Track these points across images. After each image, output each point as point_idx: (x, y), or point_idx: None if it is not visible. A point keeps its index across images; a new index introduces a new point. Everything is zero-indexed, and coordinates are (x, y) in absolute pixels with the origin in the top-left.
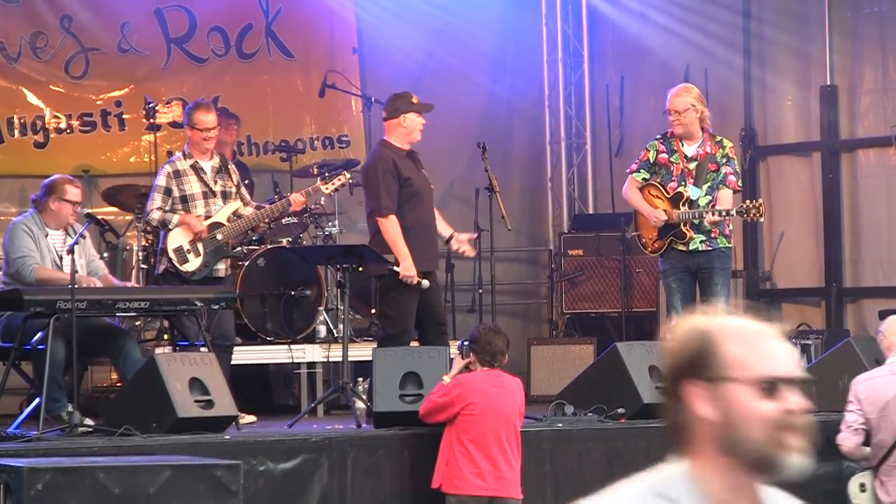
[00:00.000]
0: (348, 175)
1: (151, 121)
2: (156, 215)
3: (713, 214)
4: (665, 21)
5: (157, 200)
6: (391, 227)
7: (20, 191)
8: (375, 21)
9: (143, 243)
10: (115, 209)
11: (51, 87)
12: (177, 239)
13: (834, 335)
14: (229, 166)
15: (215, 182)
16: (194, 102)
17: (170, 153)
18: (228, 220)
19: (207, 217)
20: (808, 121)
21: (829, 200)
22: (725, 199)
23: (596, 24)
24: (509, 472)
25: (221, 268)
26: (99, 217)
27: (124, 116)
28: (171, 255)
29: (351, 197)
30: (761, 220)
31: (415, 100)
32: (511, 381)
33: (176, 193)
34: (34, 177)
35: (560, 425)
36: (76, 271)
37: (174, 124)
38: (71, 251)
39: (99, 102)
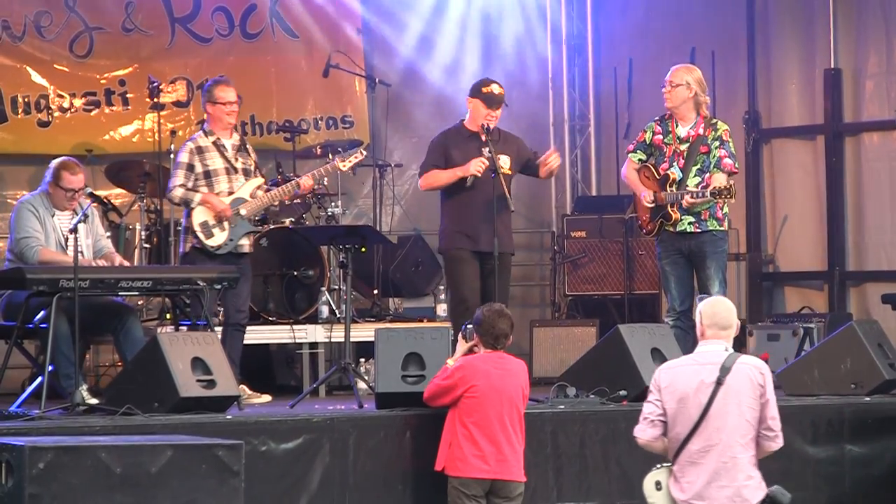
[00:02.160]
0: (365, 152)
1: (155, 100)
2: (178, 192)
3: (690, 196)
4: (671, 3)
5: (179, 177)
6: (428, 180)
7: None
8: (379, 1)
9: (146, 222)
10: (118, 188)
11: (55, 65)
12: (201, 214)
13: (836, 319)
14: (248, 146)
15: (236, 159)
16: (213, 80)
17: (173, 132)
18: (252, 195)
19: (230, 193)
20: (811, 104)
21: (832, 184)
22: (719, 181)
23: (602, 5)
24: (512, 455)
25: (245, 243)
26: (102, 196)
27: (128, 96)
28: (198, 229)
29: (353, 177)
30: (732, 200)
31: (486, 89)
32: (514, 364)
33: (199, 169)
34: (24, 160)
35: (562, 407)
36: (80, 251)
37: (178, 104)
38: (74, 230)
39: (103, 81)
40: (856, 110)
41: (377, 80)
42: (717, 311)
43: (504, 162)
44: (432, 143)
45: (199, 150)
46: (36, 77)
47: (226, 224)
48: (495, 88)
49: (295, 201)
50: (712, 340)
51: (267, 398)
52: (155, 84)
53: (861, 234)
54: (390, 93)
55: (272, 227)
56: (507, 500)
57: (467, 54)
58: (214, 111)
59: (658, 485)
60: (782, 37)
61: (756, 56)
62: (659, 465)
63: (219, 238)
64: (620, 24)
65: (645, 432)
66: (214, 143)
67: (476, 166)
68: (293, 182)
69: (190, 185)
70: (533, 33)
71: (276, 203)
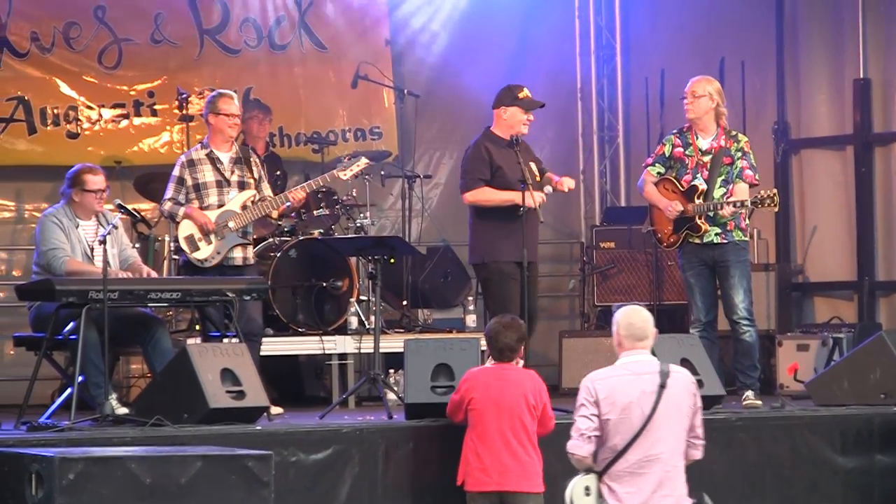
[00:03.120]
0: (365, 160)
1: (184, 112)
2: (165, 206)
3: (728, 206)
4: (700, 14)
5: (169, 191)
6: (477, 195)
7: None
8: (408, 13)
9: (175, 234)
10: (146, 200)
11: (84, 77)
12: (187, 228)
13: (866, 329)
14: (252, 159)
15: (232, 172)
16: (217, 92)
17: None
18: (242, 208)
19: (220, 206)
20: (841, 114)
21: (861, 194)
22: (742, 192)
23: (632, 16)
24: (517, 467)
25: (238, 256)
26: (130, 208)
27: (157, 107)
28: (183, 243)
29: (382, 188)
30: (776, 209)
31: (521, 94)
32: (517, 373)
33: (189, 182)
34: (43, 174)
35: None
36: (108, 262)
37: None
38: (103, 242)
39: (132, 93)
40: (886, 120)
41: (405, 90)
42: (633, 321)
43: (535, 170)
44: (472, 155)
45: (191, 163)
46: (65, 88)
47: (212, 237)
48: (528, 92)
49: (323, 212)
50: (635, 351)
51: (278, 410)
52: (184, 96)
53: (891, 244)
54: (419, 104)
55: (301, 238)
56: None
57: (495, 64)
58: (216, 122)
59: (587, 490)
60: (811, 47)
61: (785, 66)
62: (584, 473)
63: (204, 251)
64: (649, 34)
65: (582, 448)
66: (208, 155)
67: (539, 198)
68: (283, 194)
69: (181, 198)
70: (561, 44)
71: (274, 216)
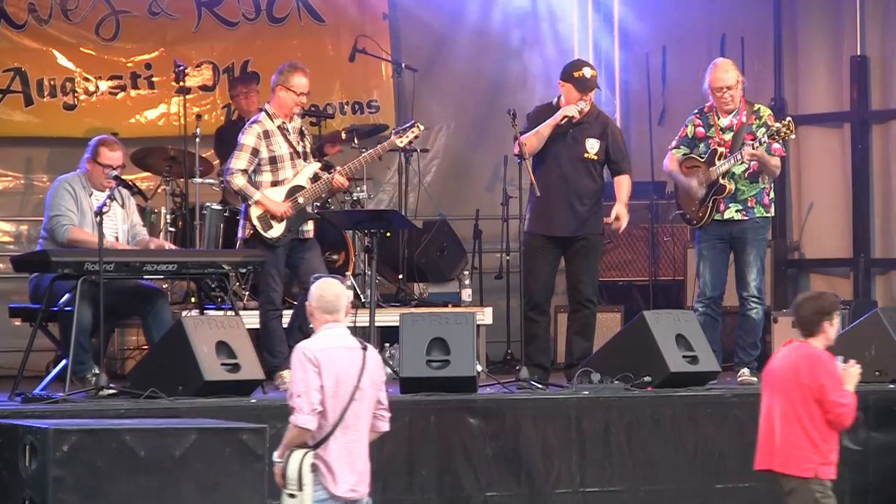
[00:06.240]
0: (420, 126)
1: (181, 84)
2: (239, 181)
3: (748, 147)
4: None
5: (241, 160)
6: (526, 140)
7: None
8: None
9: (172, 206)
10: (143, 172)
11: (81, 49)
12: (260, 207)
13: (862, 306)
14: (305, 130)
15: (299, 143)
16: (290, 64)
17: (198, 117)
18: (310, 181)
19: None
20: (838, 91)
21: (858, 171)
22: (773, 162)
23: None
24: (779, 447)
25: (309, 229)
26: (128, 180)
27: (154, 79)
28: (256, 222)
29: (379, 162)
30: (792, 136)
31: (577, 73)
32: (797, 351)
33: (265, 154)
34: (47, 142)
35: (586, 393)
36: (115, 236)
37: (204, 87)
38: (99, 213)
39: (129, 65)
40: (883, 97)
41: (403, 64)
42: (324, 294)
43: (591, 146)
44: (529, 115)
45: (266, 135)
46: (62, 60)
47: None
48: (587, 72)
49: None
50: (331, 324)
51: None
52: (181, 68)
53: (887, 222)
54: (416, 78)
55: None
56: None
57: (493, 40)
58: (285, 97)
59: (314, 467)
60: (809, 24)
61: (783, 43)
62: (306, 450)
63: (277, 230)
64: (648, 10)
65: (313, 423)
66: (280, 126)
67: (571, 111)
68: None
69: (252, 170)
70: (559, 21)
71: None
